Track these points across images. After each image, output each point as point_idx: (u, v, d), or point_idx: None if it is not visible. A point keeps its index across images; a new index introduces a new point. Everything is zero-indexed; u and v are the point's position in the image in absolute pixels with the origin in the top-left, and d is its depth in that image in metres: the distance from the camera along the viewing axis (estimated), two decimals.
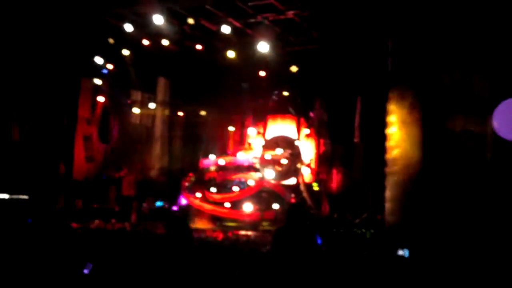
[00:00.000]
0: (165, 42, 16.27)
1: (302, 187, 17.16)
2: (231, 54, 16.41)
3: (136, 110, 19.86)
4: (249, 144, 19.83)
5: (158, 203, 17.52)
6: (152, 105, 19.71)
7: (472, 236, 10.54)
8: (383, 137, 13.27)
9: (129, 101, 19.50)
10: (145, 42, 16.43)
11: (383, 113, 13.88)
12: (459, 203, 11.71)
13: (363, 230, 12.51)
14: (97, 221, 14.55)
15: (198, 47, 16.72)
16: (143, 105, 20.19)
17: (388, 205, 12.70)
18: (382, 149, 13.31)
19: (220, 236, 12.83)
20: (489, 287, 6.70)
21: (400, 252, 8.62)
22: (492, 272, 7.47)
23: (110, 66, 17.60)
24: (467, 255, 8.77)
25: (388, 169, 12.94)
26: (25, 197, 16.04)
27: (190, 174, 18.22)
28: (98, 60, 17.19)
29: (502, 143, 10.44)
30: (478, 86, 11.66)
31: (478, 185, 11.57)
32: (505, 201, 11.00)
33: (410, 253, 8.13)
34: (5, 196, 15.43)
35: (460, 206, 11.66)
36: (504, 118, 8.39)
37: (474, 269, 7.65)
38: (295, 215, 3.96)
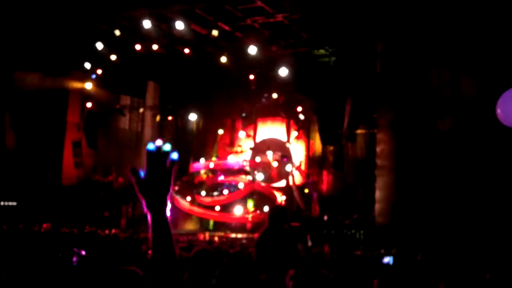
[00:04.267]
0: (154, 46, 16.22)
1: (293, 189, 17.18)
2: (222, 59, 16.40)
3: (125, 115, 19.77)
4: (240, 147, 19.81)
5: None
6: (141, 110, 19.62)
7: (461, 237, 10.59)
8: (373, 139, 13.33)
9: (117, 106, 19.39)
10: (135, 46, 16.35)
11: (373, 114, 13.96)
12: (449, 203, 11.78)
13: (353, 231, 12.54)
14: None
15: (187, 51, 16.69)
16: (132, 110, 20.10)
17: (378, 206, 12.76)
18: (372, 151, 13.36)
19: (208, 238, 12.79)
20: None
21: (386, 260, 8.55)
22: (481, 273, 7.48)
23: (99, 72, 17.48)
24: (456, 255, 8.80)
25: (377, 171, 13.00)
26: (13, 203, 15.94)
27: (184, 178, 18.18)
28: (87, 65, 17.08)
29: (493, 141, 10.52)
30: (465, 87, 11.75)
31: (468, 185, 11.65)
32: (497, 201, 11.06)
33: (397, 255, 8.11)
34: None
35: (450, 205, 11.72)
36: (508, 106, 8.19)
37: (463, 269, 7.67)
38: (276, 217, 3.93)
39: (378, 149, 13.23)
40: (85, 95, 18.41)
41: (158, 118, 19.33)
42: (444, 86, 12.09)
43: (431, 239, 10.64)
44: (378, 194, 12.93)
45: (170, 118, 20.13)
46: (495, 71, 10.93)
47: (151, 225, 2.01)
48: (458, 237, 10.57)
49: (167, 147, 2.03)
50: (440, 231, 11.14)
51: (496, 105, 7.06)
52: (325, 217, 14.74)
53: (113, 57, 16.61)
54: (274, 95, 18.12)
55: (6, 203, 16.25)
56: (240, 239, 14.24)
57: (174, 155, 2.02)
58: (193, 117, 19.61)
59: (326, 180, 17.66)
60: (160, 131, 19.67)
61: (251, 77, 17.38)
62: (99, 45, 15.99)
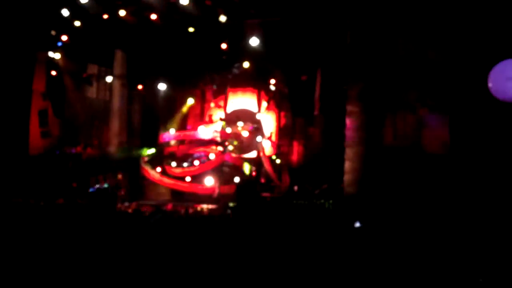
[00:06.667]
0: (122, 13, 15.85)
1: (263, 160, 17.22)
2: (190, 29, 16.17)
3: (92, 84, 19.36)
4: (210, 117, 19.67)
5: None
6: (109, 79, 19.20)
7: (427, 207, 10.82)
8: (343, 110, 13.41)
9: (84, 75, 18.98)
10: (101, 13, 15.96)
11: (343, 85, 14.01)
12: (416, 174, 11.99)
13: (322, 201, 12.69)
14: None
15: (154, 17, 16.31)
16: (100, 79, 19.68)
17: (347, 177, 12.92)
18: (342, 122, 13.45)
19: (179, 209, 12.81)
20: (440, 257, 6.90)
21: (357, 225, 8.78)
22: (445, 242, 7.68)
23: (64, 39, 17.03)
24: (421, 225, 9.00)
25: (347, 142, 13.13)
26: None
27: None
28: (53, 33, 16.62)
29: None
30: (432, 58, 11.87)
31: (434, 157, 11.86)
32: (466, 174, 11.28)
33: (364, 223, 8.28)
34: None
35: (418, 177, 11.94)
36: (499, 79, 8.33)
37: (428, 237, 7.86)
38: (244, 193, 3.93)
39: (347, 120, 13.32)
40: (51, 63, 17.94)
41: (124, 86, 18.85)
42: (411, 57, 12.19)
43: (399, 209, 10.86)
44: (347, 164, 13.08)
45: (139, 87, 19.78)
46: (461, 43, 11.05)
47: None
48: (424, 207, 10.80)
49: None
50: (408, 202, 11.36)
51: (487, 79, 7.14)
52: (295, 188, 14.86)
53: (78, 24, 16.18)
54: (245, 65, 17.93)
55: None
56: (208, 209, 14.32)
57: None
58: (162, 86, 19.33)
59: (296, 151, 17.74)
60: (129, 101, 19.36)
61: (224, 46, 17.09)
62: (65, 12, 15.58)
